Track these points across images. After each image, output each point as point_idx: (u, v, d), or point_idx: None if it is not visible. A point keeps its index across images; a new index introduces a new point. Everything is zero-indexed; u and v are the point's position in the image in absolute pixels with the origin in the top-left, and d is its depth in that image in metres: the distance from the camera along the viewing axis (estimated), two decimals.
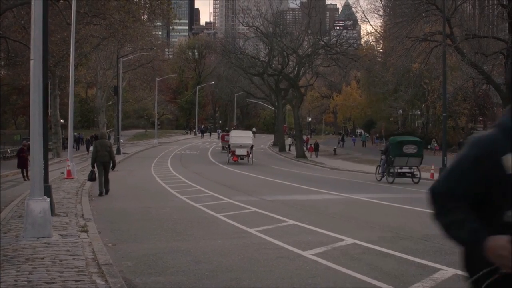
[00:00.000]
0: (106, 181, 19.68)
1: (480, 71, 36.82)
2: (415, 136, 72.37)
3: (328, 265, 9.02)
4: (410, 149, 28.50)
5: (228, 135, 49.66)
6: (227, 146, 46.64)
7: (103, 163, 19.60)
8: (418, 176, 28.82)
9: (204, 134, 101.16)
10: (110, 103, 73.82)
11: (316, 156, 55.81)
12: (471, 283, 2.83)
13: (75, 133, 62.77)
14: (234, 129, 61.16)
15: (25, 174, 27.43)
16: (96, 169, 19.64)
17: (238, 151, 42.53)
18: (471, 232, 2.76)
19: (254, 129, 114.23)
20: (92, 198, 18.53)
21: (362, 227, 13.17)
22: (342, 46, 59.86)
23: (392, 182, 28.40)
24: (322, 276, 8.38)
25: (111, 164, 19.92)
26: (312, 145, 57.94)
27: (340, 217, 14.85)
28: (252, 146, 43.69)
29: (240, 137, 44.76)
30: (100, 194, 19.34)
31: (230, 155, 43.37)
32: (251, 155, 43.15)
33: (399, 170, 28.82)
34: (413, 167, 28.98)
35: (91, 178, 19.94)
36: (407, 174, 29.00)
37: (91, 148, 50.35)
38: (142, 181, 26.54)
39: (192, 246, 10.60)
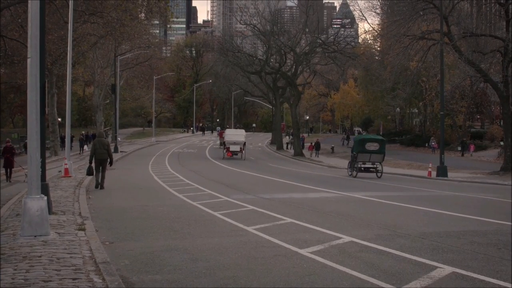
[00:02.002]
0: (102, 177, 21.12)
1: (478, 69, 36.84)
2: (412, 134, 72.94)
3: (325, 263, 9.03)
4: (372, 147, 31.33)
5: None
6: (223, 142, 50.05)
7: (101, 160, 21.05)
8: (381, 171, 31.43)
9: (205, 132, 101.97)
10: (108, 101, 73.78)
11: (317, 156, 55.77)
12: None
13: (83, 131, 62.97)
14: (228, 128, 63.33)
15: (8, 175, 26.38)
16: (93, 165, 21.17)
17: (232, 148, 46.73)
18: None
19: (254, 125, 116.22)
20: (89, 197, 18.52)
21: (359, 225, 13.19)
22: (340, 44, 59.77)
23: (355, 176, 31.21)
24: (320, 274, 8.39)
25: (109, 161, 21.38)
26: (312, 144, 57.86)
27: (337, 215, 14.86)
28: (244, 143, 47.80)
29: (234, 135, 49.01)
30: (96, 187, 20.93)
31: (225, 151, 47.54)
32: (243, 151, 47.17)
33: (363, 166, 31.78)
34: (376, 163, 31.52)
35: (89, 173, 21.46)
36: (370, 169, 31.77)
37: (86, 147, 50.65)
38: (140, 180, 26.51)
39: (189, 244, 10.61)
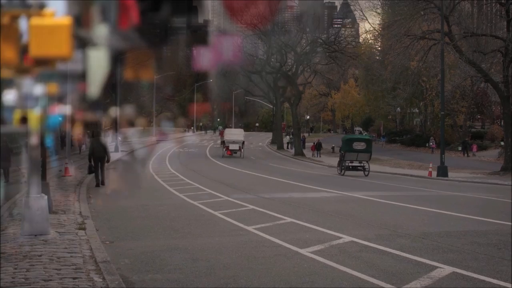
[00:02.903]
0: (102, 174, 21.62)
1: (478, 69, 36.79)
2: (413, 134, 72.88)
3: (325, 263, 9.03)
4: (359, 146, 32.29)
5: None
6: (223, 141, 51.43)
7: (99, 158, 21.51)
8: (368, 169, 32.12)
9: (208, 131, 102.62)
10: (108, 101, 73.61)
11: (318, 156, 55.67)
12: None
13: (88, 131, 62.72)
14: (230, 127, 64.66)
15: (6, 175, 24.80)
16: (93, 163, 21.54)
17: (232, 146, 48.19)
18: None
19: (257, 124, 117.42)
20: (90, 196, 18.51)
21: (359, 225, 13.18)
22: (340, 44, 59.77)
23: (343, 174, 32.25)
24: (320, 274, 8.39)
25: (106, 158, 21.88)
26: (314, 144, 57.77)
27: (337, 215, 14.85)
28: (243, 142, 49.38)
29: (233, 134, 50.74)
30: (97, 185, 21.22)
31: (224, 149, 48.95)
32: (242, 150, 48.74)
33: (350, 164, 32.64)
34: (363, 162, 32.29)
35: (90, 171, 21.76)
36: (358, 167, 32.54)
37: (84, 147, 50.54)
38: (140, 179, 26.50)
39: (189, 243, 10.61)
